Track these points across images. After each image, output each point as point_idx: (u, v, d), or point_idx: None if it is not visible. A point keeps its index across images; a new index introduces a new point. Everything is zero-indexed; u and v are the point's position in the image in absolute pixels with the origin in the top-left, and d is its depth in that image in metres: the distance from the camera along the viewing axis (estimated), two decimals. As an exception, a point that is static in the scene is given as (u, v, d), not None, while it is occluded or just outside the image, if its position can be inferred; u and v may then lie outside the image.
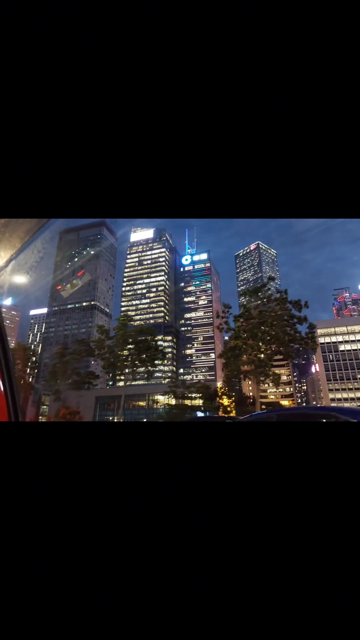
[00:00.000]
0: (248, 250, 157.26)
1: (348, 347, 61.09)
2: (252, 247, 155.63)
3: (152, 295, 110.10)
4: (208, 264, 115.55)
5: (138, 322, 30.09)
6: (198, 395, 41.89)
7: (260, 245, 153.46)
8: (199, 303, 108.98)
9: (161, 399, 53.30)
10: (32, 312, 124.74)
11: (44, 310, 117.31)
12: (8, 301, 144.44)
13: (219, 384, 44.50)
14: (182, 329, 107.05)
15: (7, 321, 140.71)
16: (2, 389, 1.33)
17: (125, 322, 29.37)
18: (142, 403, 55.32)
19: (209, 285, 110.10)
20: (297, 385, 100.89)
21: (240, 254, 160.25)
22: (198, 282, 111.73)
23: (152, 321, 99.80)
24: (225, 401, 39.19)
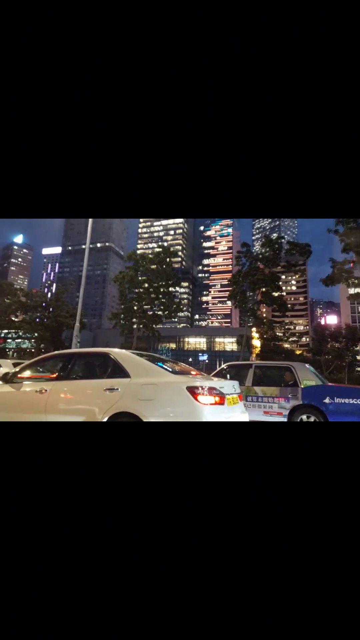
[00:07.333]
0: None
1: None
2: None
3: (169, 238, 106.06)
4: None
5: (155, 266, 25.06)
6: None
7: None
8: (219, 249, 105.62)
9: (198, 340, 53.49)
10: (45, 251, 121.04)
11: (58, 250, 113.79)
12: (19, 239, 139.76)
13: (254, 329, 44.42)
14: (200, 275, 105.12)
15: (19, 259, 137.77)
16: None
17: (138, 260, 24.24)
18: (172, 345, 56.17)
19: (229, 230, 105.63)
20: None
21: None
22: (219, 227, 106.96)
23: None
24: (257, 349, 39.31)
